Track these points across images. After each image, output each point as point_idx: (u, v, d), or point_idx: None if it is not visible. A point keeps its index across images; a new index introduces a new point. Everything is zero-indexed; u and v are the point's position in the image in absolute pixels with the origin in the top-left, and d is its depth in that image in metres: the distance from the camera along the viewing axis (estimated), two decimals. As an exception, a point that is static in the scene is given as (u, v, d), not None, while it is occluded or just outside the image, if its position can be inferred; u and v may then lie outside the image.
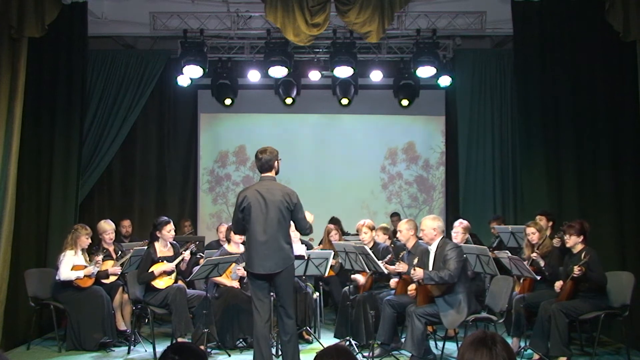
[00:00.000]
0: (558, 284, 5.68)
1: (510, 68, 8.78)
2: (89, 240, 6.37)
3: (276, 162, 5.15)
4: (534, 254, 5.96)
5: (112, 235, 6.71)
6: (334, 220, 8.80)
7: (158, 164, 10.16)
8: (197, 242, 6.45)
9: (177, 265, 6.19)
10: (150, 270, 6.07)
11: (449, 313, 5.39)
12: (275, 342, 5.67)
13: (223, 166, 10.76)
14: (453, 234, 6.57)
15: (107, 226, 6.68)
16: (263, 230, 4.93)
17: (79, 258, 6.27)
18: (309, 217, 5.18)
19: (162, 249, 6.24)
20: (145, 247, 6.42)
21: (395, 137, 10.59)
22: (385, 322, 5.82)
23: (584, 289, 5.61)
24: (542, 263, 5.92)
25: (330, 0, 6.85)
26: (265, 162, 5.10)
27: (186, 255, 6.21)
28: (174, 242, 6.39)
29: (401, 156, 10.75)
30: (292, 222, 5.13)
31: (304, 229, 5.16)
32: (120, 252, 6.66)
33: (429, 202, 10.71)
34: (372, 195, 10.64)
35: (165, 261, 6.16)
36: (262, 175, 5.14)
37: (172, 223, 6.34)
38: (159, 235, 6.23)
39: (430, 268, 5.55)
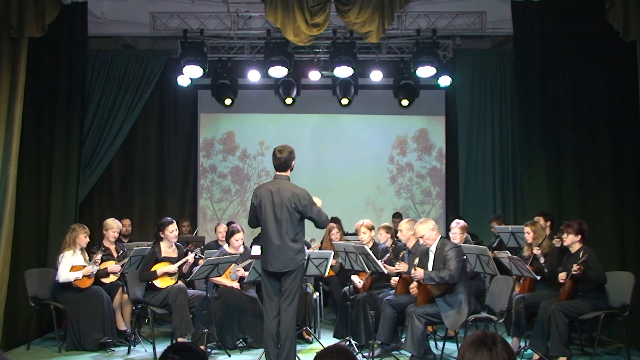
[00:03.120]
0: (562, 275, 5.63)
1: (510, 68, 8.78)
2: (88, 239, 6.36)
3: (293, 161, 5.27)
4: (536, 249, 5.98)
5: (116, 234, 6.73)
6: (334, 220, 8.79)
7: (158, 164, 10.15)
8: (202, 247, 6.44)
9: (179, 267, 6.19)
10: (152, 270, 6.07)
11: (450, 314, 5.39)
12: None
13: (208, 156, 10.48)
14: (451, 235, 6.56)
15: (113, 224, 6.68)
16: (273, 229, 5.08)
17: (78, 258, 6.27)
18: (317, 201, 5.21)
19: (167, 249, 6.24)
20: (148, 247, 6.42)
21: (395, 137, 10.49)
22: (385, 322, 5.82)
23: (584, 289, 5.62)
24: (542, 260, 5.93)
25: (330, 0, 6.85)
26: (284, 161, 5.21)
27: (190, 258, 6.20)
28: (179, 243, 6.38)
29: (412, 145, 10.47)
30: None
31: (322, 224, 5.26)
32: (121, 252, 6.65)
33: (441, 196, 10.43)
34: (378, 191, 10.45)
35: (168, 262, 6.16)
36: (277, 173, 5.24)
37: (175, 224, 6.34)
38: (162, 235, 6.23)
39: (430, 269, 5.55)
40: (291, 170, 5.29)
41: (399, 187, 10.50)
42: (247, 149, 10.54)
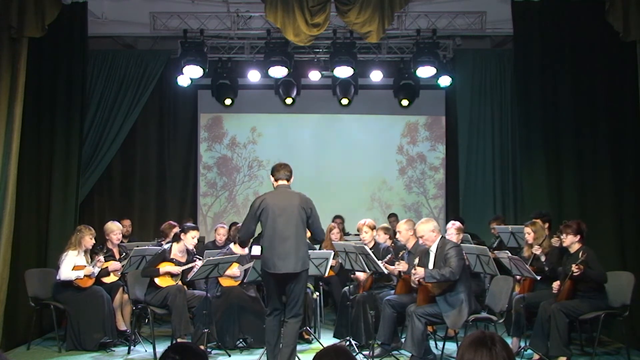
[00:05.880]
0: (555, 284, 5.69)
1: (510, 68, 8.79)
2: (93, 241, 6.36)
3: (292, 177, 5.40)
4: (536, 248, 5.98)
5: (120, 236, 6.74)
6: (338, 217, 8.79)
7: (158, 164, 10.14)
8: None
9: (183, 271, 6.16)
10: (157, 267, 6.07)
11: (451, 313, 5.39)
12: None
13: None
14: (447, 236, 6.53)
15: (114, 227, 6.68)
16: (284, 232, 5.12)
17: (81, 258, 6.26)
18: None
19: (177, 252, 6.23)
20: (148, 247, 6.43)
21: (396, 137, 10.43)
22: (385, 322, 5.82)
23: (584, 289, 5.62)
24: (543, 258, 5.93)
25: (330, 0, 6.85)
26: (287, 171, 5.34)
27: (198, 265, 6.10)
28: (192, 251, 6.35)
29: (423, 133, 10.20)
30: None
31: (320, 235, 5.46)
32: (124, 254, 6.63)
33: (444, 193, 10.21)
34: (384, 186, 10.28)
35: (175, 264, 6.15)
36: (280, 183, 5.33)
37: (197, 231, 6.34)
38: (182, 237, 6.22)
39: (431, 268, 5.54)
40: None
41: (409, 181, 10.28)
42: (237, 137, 10.27)
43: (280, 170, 5.33)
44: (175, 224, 7.22)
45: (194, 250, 6.40)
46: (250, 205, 5.35)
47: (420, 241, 5.71)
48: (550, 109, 7.40)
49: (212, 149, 10.32)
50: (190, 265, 6.15)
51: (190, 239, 6.22)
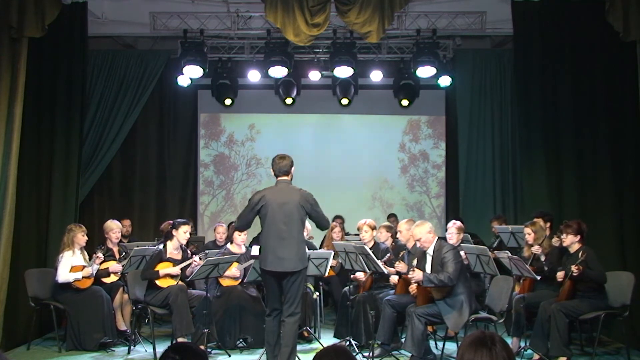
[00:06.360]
0: (560, 274, 5.66)
1: (510, 68, 8.79)
2: (86, 238, 6.36)
3: (293, 168, 5.36)
4: (536, 247, 5.98)
5: (119, 235, 6.74)
6: (338, 218, 8.79)
7: (158, 164, 10.12)
8: (206, 252, 6.42)
9: (182, 269, 6.17)
10: (155, 269, 6.07)
11: (452, 315, 5.39)
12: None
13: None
14: (448, 236, 6.53)
15: (113, 225, 6.68)
16: (282, 230, 5.11)
17: (78, 258, 6.26)
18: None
19: (172, 250, 6.23)
20: (148, 247, 6.43)
21: (397, 134, 10.38)
22: (385, 322, 5.82)
23: (583, 289, 5.62)
24: (543, 258, 5.93)
25: (330, 0, 6.86)
26: (284, 165, 5.29)
27: (196, 260, 6.12)
28: (184, 247, 6.37)
29: (426, 131, 10.09)
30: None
31: (326, 225, 5.43)
32: (124, 254, 6.63)
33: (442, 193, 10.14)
34: (386, 185, 10.22)
35: (172, 263, 6.15)
36: (280, 178, 5.30)
37: (189, 225, 6.33)
38: (174, 234, 6.21)
39: (429, 271, 5.54)
40: (291, 178, 5.36)
41: (411, 179, 10.22)
42: (234, 134, 10.24)
43: (279, 164, 5.28)
44: None
45: (190, 249, 6.42)
46: (249, 199, 5.33)
47: (418, 244, 5.71)
48: (550, 109, 7.41)
49: (209, 146, 10.29)
50: (188, 262, 6.15)
51: (182, 234, 6.19)
